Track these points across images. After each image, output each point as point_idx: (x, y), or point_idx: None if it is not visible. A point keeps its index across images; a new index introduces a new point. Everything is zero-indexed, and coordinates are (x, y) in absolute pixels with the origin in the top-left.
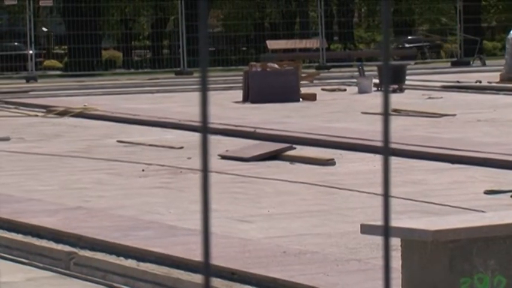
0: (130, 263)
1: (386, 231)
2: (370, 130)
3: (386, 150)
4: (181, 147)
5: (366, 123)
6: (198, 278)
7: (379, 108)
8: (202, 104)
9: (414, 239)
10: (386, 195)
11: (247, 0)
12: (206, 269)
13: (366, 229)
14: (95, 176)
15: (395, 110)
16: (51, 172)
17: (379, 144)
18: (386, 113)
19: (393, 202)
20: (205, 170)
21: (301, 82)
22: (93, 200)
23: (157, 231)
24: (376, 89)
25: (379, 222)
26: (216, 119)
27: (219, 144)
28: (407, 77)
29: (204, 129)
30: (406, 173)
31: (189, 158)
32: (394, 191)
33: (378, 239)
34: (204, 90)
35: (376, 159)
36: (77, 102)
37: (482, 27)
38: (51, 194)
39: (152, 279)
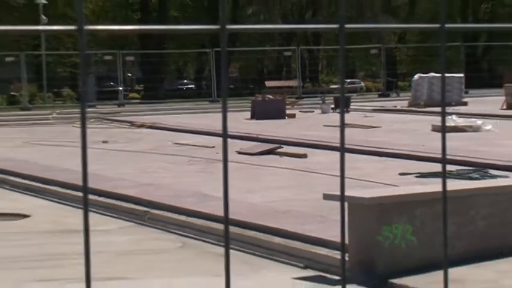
0: (183, 218)
1: (342, 198)
2: (331, 136)
3: (342, 148)
4: (213, 147)
5: (328, 131)
6: (221, 226)
7: (336, 122)
8: (223, 120)
9: (357, 203)
10: (342, 176)
11: (253, 57)
12: (226, 220)
13: (328, 197)
14: (161, 164)
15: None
16: (134, 162)
17: (337, 144)
18: (342, 125)
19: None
20: (225, 161)
21: (287, 107)
22: (160, 179)
23: (198, 198)
24: (332, 111)
25: (337, 192)
26: (233, 129)
27: (235, 144)
28: (351, 103)
29: (225, 135)
30: (352, 163)
31: (217, 153)
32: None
33: (336, 203)
34: (224, 111)
35: (335, 154)
36: (149, 119)
37: (397, 73)
38: (134, 175)
39: (193, 227)
